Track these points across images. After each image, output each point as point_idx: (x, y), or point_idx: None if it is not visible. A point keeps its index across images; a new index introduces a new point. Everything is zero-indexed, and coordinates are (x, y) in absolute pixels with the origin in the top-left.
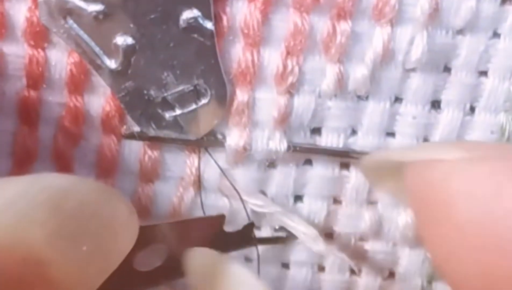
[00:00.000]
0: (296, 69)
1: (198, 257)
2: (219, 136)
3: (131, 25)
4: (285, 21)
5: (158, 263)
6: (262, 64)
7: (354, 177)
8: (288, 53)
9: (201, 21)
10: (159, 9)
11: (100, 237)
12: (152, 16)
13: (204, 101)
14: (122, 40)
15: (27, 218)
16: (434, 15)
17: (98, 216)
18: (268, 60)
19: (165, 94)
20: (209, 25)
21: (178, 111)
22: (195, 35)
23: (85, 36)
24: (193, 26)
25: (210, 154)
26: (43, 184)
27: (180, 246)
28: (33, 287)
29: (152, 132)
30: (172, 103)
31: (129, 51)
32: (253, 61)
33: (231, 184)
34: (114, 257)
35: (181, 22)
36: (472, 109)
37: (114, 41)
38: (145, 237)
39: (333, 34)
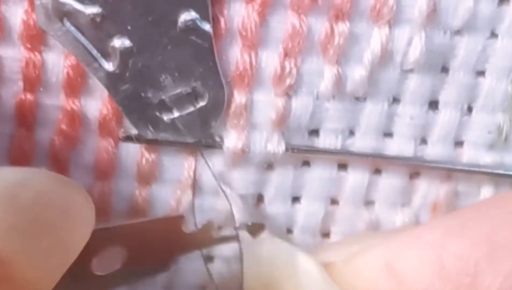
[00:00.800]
0: (294, 71)
1: (271, 247)
2: (217, 139)
3: (129, 28)
4: (283, 23)
5: (117, 266)
6: (260, 66)
7: (351, 178)
8: (286, 54)
9: (199, 23)
10: (157, 11)
11: (58, 228)
12: (150, 19)
13: (202, 103)
14: (120, 42)
15: None
16: (432, 16)
17: (55, 206)
18: (266, 62)
19: (163, 97)
20: (207, 27)
21: (176, 114)
22: (193, 37)
23: (83, 39)
24: (191, 28)
25: (203, 157)
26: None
27: (139, 247)
28: None
29: (150, 135)
30: (170, 105)
31: (126, 53)
32: (251, 63)
33: (220, 186)
34: (73, 249)
35: (179, 24)
36: (470, 109)
37: (112, 43)
38: (102, 240)
39: (331, 35)
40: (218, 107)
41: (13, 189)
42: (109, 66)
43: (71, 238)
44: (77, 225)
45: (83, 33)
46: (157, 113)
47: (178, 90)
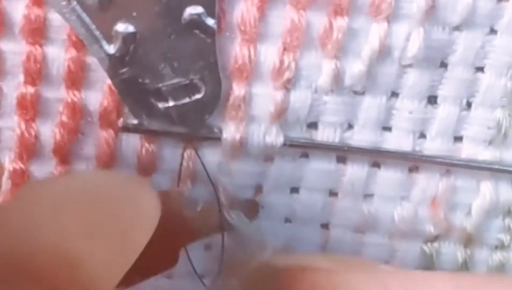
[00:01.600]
0: (293, 65)
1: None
2: (216, 130)
3: (134, 14)
4: (282, 17)
5: None
6: (259, 60)
7: (350, 170)
8: (284, 49)
9: (204, 18)
10: (164, 1)
11: (126, 229)
12: (156, 8)
13: (197, 96)
14: (124, 27)
15: (66, 220)
16: (431, 12)
17: (125, 206)
18: (264, 56)
19: (160, 85)
20: (211, 22)
21: (171, 103)
22: (197, 31)
23: (87, 19)
24: (196, 22)
25: (196, 151)
26: (82, 182)
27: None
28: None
29: (144, 120)
30: (166, 94)
31: (129, 38)
32: (249, 56)
33: (209, 177)
34: (137, 248)
35: (184, 16)
36: (469, 105)
37: (115, 27)
38: None
39: (329, 30)
40: (213, 101)
41: (86, 191)
42: (110, 48)
43: (137, 237)
44: (144, 225)
45: (88, 14)
46: (152, 100)
47: (176, 81)
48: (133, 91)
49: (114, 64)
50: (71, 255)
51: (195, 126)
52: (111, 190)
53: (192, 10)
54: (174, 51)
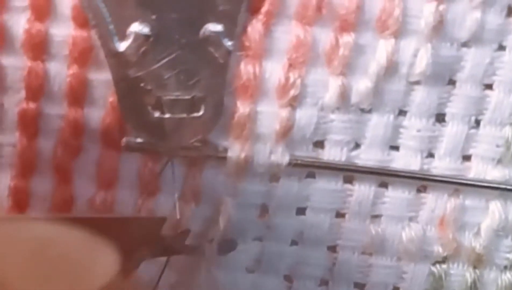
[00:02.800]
0: (298, 81)
1: None
2: (221, 149)
3: (153, 17)
4: (288, 33)
5: None
6: (264, 77)
7: (357, 191)
8: (290, 65)
9: (221, 38)
10: (186, 11)
11: (77, 282)
12: (177, 16)
13: (195, 114)
14: (139, 28)
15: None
16: (439, 28)
17: (77, 262)
18: (270, 72)
19: (161, 95)
20: (228, 44)
21: (167, 115)
22: (212, 50)
23: (105, 11)
24: (213, 40)
25: (172, 164)
26: (32, 234)
27: (116, 242)
28: None
29: (133, 126)
30: (165, 105)
31: (141, 40)
32: (254, 73)
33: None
34: None
35: (202, 31)
36: (477, 122)
37: (131, 26)
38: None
39: (336, 46)
40: (210, 123)
41: (43, 243)
42: (120, 46)
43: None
44: (97, 281)
45: (107, 6)
46: (149, 108)
47: (178, 94)
48: (132, 94)
49: (120, 63)
50: None
51: (183, 144)
52: (66, 246)
53: (212, 27)
54: (184, 63)
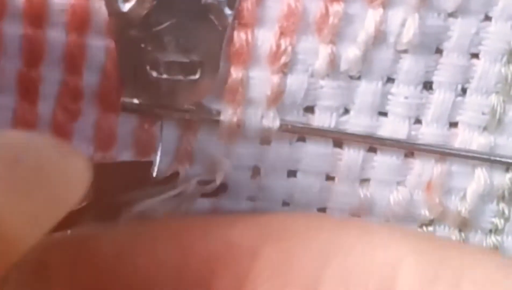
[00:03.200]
0: (289, 49)
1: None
2: (214, 112)
3: None
4: (279, 3)
5: (83, 203)
6: (256, 44)
7: (346, 155)
8: (281, 33)
9: (222, 6)
10: None
11: (53, 190)
12: None
13: (192, 77)
14: None
15: None
16: None
17: (53, 170)
18: (262, 40)
19: (159, 56)
20: (228, 12)
21: (164, 76)
22: (212, 17)
23: None
24: (214, 7)
25: (161, 126)
26: (2, 141)
27: (107, 187)
28: None
29: (132, 85)
30: (162, 67)
31: (144, 3)
32: (247, 41)
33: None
34: (63, 208)
35: None
36: (464, 90)
37: None
38: None
39: (325, 15)
40: (206, 87)
41: (16, 152)
42: (124, 6)
43: (64, 199)
44: (72, 189)
45: None
46: (147, 67)
47: (176, 56)
48: (132, 54)
49: (123, 24)
50: None
51: (180, 105)
52: (40, 153)
53: None
54: (184, 28)
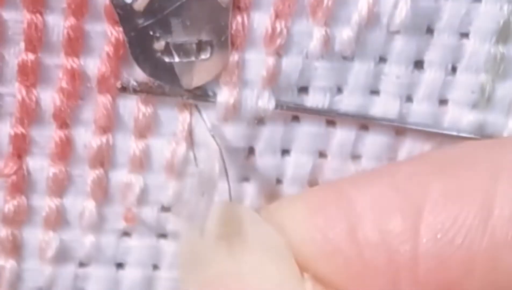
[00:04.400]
0: (284, 31)
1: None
2: (210, 94)
3: None
4: None
5: None
6: (252, 27)
7: (339, 134)
8: (276, 16)
9: None
10: None
11: None
12: None
13: (203, 56)
14: None
15: None
16: None
17: None
18: (257, 23)
19: (169, 40)
20: None
21: (176, 59)
22: None
23: None
24: None
25: (199, 110)
26: None
27: None
28: None
29: (147, 72)
30: (173, 50)
31: None
32: (243, 23)
33: (215, 141)
34: None
35: None
36: (454, 70)
37: None
38: None
39: None
40: (218, 64)
41: None
42: None
43: None
44: None
45: None
46: (159, 54)
47: (185, 39)
48: (143, 42)
49: (129, 14)
50: None
51: (195, 85)
52: None
53: None
54: (189, 9)
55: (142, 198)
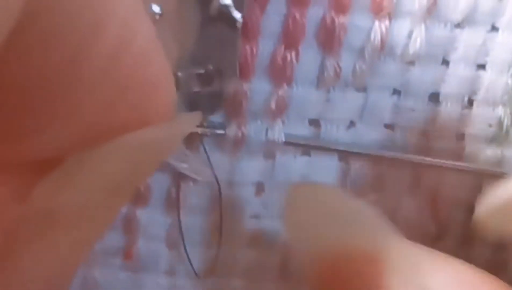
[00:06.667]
0: (294, 61)
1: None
2: (218, 126)
3: None
4: (283, 15)
5: None
6: (261, 57)
7: (353, 169)
8: (286, 46)
9: (231, 10)
10: None
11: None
12: None
13: (210, 87)
14: (152, 8)
15: None
16: (432, 9)
17: None
18: (267, 52)
19: (176, 71)
20: (238, 16)
21: (183, 91)
22: (223, 23)
23: None
24: (223, 13)
25: (204, 147)
26: None
27: None
28: None
29: None
30: (181, 81)
31: (153, 15)
32: (251, 53)
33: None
34: None
35: (213, 5)
36: (471, 102)
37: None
38: None
39: (331, 27)
40: (225, 95)
41: None
42: None
43: None
44: None
45: None
46: None
47: (192, 68)
48: None
49: None
50: None
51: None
52: None
53: (222, 0)
54: (197, 38)
55: None
